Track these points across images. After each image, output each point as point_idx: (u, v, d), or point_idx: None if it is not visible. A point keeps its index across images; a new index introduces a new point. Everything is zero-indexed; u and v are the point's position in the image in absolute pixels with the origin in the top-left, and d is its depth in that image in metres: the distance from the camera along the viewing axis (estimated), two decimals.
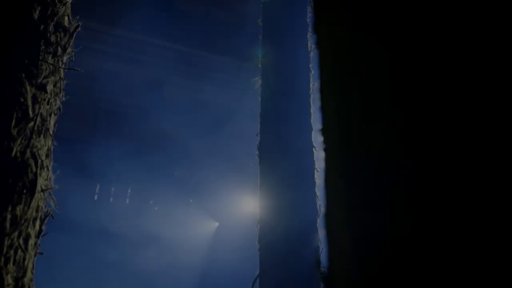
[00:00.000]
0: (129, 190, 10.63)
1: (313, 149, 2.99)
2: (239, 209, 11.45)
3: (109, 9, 6.33)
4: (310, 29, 3.25)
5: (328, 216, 0.52)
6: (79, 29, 1.79)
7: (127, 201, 10.61)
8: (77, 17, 1.78)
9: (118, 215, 9.82)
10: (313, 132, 3.06)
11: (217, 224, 11.79)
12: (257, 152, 3.05)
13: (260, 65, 3.24)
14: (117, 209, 10.02)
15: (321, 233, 2.95)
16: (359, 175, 0.47)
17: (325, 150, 0.57)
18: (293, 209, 2.83)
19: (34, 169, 1.41)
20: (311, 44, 3.18)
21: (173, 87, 8.25)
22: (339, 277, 0.49)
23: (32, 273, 1.41)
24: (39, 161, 1.43)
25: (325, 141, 0.57)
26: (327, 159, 0.54)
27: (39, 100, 1.45)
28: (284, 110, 2.98)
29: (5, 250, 1.28)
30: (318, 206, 2.90)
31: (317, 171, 2.97)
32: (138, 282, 9.51)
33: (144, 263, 9.70)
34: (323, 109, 0.56)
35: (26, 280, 1.37)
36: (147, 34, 7.10)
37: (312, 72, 3.14)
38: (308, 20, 3.27)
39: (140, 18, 6.66)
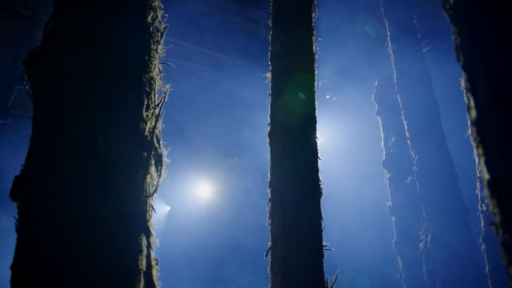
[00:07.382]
0: None
1: (316, 139, 3.47)
2: (190, 194, 11.72)
3: None
4: (315, 33, 3.72)
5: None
6: (166, 30, 2.11)
7: None
8: (165, 19, 2.10)
9: None
10: (316, 124, 3.54)
11: (168, 208, 11.96)
12: (267, 139, 3.49)
13: (269, 62, 3.67)
14: None
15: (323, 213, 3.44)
16: None
17: None
18: (299, 191, 3.30)
19: (157, 146, 1.75)
20: (316, 46, 3.66)
21: None
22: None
23: None
24: (160, 139, 1.77)
25: None
26: None
27: (164, 90, 1.79)
28: (292, 103, 3.43)
29: (148, 208, 1.63)
30: (321, 189, 3.40)
31: (320, 159, 3.46)
32: None
33: None
34: None
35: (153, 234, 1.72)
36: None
37: (316, 71, 3.62)
38: (313, 25, 3.74)
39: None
